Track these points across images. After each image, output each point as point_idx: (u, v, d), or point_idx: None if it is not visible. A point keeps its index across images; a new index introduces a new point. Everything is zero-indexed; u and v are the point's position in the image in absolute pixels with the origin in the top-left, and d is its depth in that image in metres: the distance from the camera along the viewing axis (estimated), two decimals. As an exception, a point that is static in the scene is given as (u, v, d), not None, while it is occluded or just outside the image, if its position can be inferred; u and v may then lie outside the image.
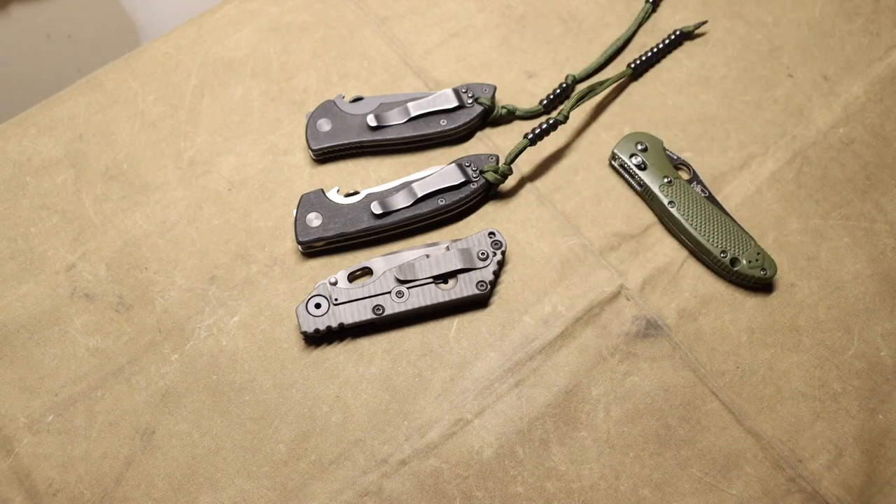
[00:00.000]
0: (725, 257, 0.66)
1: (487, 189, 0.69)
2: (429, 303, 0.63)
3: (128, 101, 0.74)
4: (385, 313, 0.63)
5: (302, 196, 0.68)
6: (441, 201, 0.67)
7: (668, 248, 0.68)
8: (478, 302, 0.65)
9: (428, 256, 0.65)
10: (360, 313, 0.63)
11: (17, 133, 0.72)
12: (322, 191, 0.68)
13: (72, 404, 0.61)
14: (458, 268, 0.64)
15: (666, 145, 0.71)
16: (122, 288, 0.65)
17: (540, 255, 0.68)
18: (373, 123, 0.70)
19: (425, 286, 0.64)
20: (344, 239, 0.67)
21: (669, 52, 0.77)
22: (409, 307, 0.63)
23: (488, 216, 0.70)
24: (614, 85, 0.75)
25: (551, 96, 0.74)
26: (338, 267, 0.67)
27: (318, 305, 0.63)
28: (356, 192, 0.68)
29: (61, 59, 0.91)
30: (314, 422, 0.61)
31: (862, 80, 0.76)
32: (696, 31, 0.78)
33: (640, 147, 0.70)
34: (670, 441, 0.61)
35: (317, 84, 0.75)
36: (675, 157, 0.71)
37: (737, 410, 0.62)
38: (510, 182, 0.71)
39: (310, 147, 0.70)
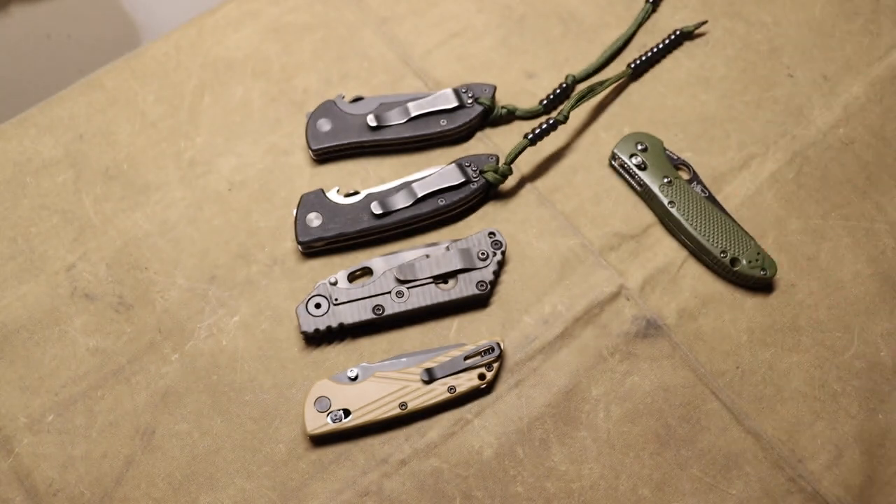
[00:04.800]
0: (725, 257, 0.66)
1: (487, 189, 0.69)
2: (429, 303, 0.63)
3: (128, 101, 0.74)
4: (385, 313, 0.63)
5: (302, 196, 0.68)
6: (441, 201, 0.67)
7: (668, 248, 0.68)
8: (478, 302, 0.65)
9: (428, 256, 0.65)
10: (360, 313, 0.63)
11: (17, 133, 0.72)
12: (322, 191, 0.68)
13: (72, 404, 0.61)
14: (458, 268, 0.64)
15: (666, 145, 0.71)
16: (122, 288, 0.65)
17: (540, 255, 0.68)
18: (373, 123, 0.70)
19: (425, 286, 0.64)
20: (344, 239, 0.67)
21: (669, 52, 0.77)
22: (409, 307, 0.63)
23: (488, 216, 0.70)
24: (614, 85, 0.75)
25: (551, 96, 0.74)
26: (338, 267, 0.67)
27: (318, 305, 0.63)
28: (356, 192, 0.68)
29: (61, 59, 0.91)
30: (314, 422, 0.61)
31: (862, 80, 0.76)
32: (696, 31, 0.78)
33: (640, 147, 0.70)
34: (670, 441, 0.61)
35: (317, 84, 0.75)
36: (675, 157, 0.71)
37: (737, 410, 0.62)
38: (510, 182, 0.71)
39: (310, 147, 0.70)
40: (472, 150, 0.72)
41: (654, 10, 0.80)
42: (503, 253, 0.66)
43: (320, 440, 0.60)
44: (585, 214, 0.70)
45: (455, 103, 0.71)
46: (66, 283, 0.66)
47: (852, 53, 0.78)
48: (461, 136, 0.73)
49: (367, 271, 0.65)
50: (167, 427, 0.60)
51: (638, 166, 0.69)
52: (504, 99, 0.75)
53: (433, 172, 0.68)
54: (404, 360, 0.61)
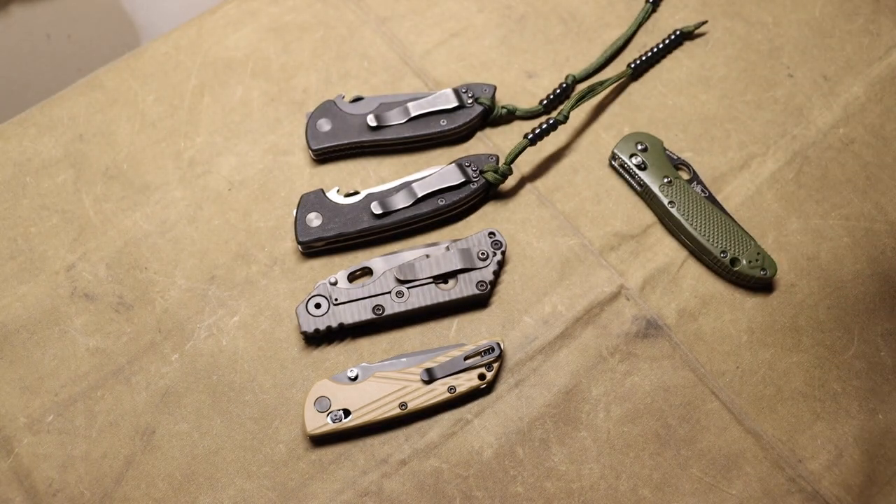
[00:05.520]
0: (725, 257, 0.66)
1: (487, 189, 0.69)
2: (429, 303, 0.63)
3: (128, 101, 0.74)
4: (385, 313, 0.63)
5: (302, 196, 0.68)
6: (441, 201, 0.67)
7: (668, 248, 0.68)
8: (478, 302, 0.65)
9: (428, 256, 0.65)
10: (360, 313, 0.63)
11: (17, 133, 0.72)
12: (322, 191, 0.68)
13: (72, 404, 0.61)
14: (458, 268, 0.64)
15: (666, 145, 0.71)
16: (122, 288, 0.65)
17: (540, 255, 0.68)
18: (373, 123, 0.70)
19: (425, 286, 0.64)
20: (344, 239, 0.67)
21: (669, 52, 0.77)
22: (409, 307, 0.63)
23: (488, 216, 0.70)
24: (614, 85, 0.75)
25: (551, 96, 0.74)
26: (338, 267, 0.67)
27: (318, 305, 0.63)
28: (356, 192, 0.68)
29: (61, 59, 0.91)
30: (314, 422, 0.61)
31: (862, 80, 0.76)
32: (696, 31, 0.78)
33: (640, 147, 0.70)
34: (670, 441, 0.61)
35: (317, 84, 0.75)
36: (675, 157, 0.71)
37: (737, 410, 0.62)
38: (510, 182, 0.71)
39: (310, 147, 0.70)
40: (472, 150, 0.72)
41: (654, 10, 0.80)
42: (503, 253, 0.66)
43: (320, 440, 0.60)
44: (585, 214, 0.70)
45: (455, 103, 0.71)
46: (66, 283, 0.66)
47: (852, 53, 0.78)
48: (461, 136, 0.73)
49: (367, 271, 0.65)
50: (167, 427, 0.60)
51: (638, 166, 0.69)
52: (504, 99, 0.75)
53: (433, 172, 0.68)
54: (404, 360, 0.61)
